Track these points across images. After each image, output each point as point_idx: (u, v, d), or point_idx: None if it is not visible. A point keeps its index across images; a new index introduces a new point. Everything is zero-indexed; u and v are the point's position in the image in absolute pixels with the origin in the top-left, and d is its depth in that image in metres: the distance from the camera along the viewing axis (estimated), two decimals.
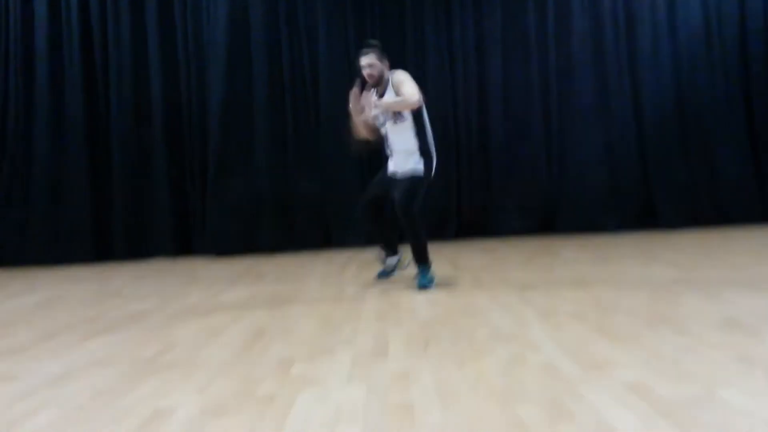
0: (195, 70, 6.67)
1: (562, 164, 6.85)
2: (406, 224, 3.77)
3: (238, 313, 3.42)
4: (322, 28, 6.68)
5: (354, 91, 3.94)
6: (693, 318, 2.73)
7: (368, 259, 5.51)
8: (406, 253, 4.06)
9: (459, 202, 6.77)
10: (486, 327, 2.80)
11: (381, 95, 3.89)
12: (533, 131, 6.84)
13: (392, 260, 4.24)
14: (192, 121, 6.68)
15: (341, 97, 6.53)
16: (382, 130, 3.99)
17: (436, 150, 3.97)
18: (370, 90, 3.88)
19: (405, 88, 3.79)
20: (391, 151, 3.98)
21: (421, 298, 3.57)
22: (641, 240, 5.86)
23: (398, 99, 3.79)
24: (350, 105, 3.98)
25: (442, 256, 5.35)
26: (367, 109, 3.84)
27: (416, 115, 3.85)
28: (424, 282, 3.84)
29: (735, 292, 3.22)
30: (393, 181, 3.94)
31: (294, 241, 6.49)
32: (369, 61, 3.87)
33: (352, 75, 6.62)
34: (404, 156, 3.90)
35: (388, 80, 3.90)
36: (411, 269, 4.06)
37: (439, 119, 6.49)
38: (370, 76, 3.88)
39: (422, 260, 3.87)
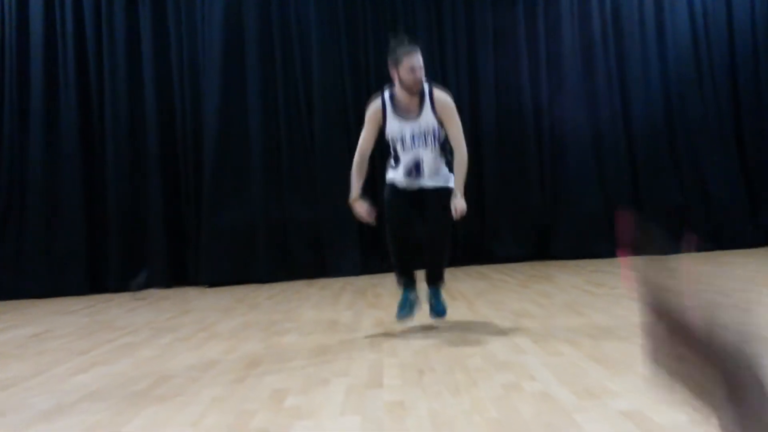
0: (189, 100, 6.71)
1: (556, 190, 6.89)
2: (445, 245, 3.50)
3: (231, 344, 3.40)
4: (316, 49, 6.74)
5: (375, 112, 3.40)
6: None
7: (362, 287, 5.50)
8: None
9: (453, 229, 6.76)
10: (481, 355, 2.79)
11: (415, 115, 3.33)
12: (526, 155, 6.88)
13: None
14: (187, 151, 6.71)
15: (335, 123, 6.68)
16: (405, 155, 3.38)
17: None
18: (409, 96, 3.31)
19: (455, 129, 3.37)
20: (420, 175, 3.40)
21: (416, 326, 3.55)
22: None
23: (460, 170, 3.38)
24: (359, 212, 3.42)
25: None
26: (461, 215, 3.33)
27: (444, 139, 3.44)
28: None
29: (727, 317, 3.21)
30: (419, 199, 3.42)
31: (288, 270, 6.48)
32: (420, 63, 3.27)
33: (345, 100, 6.74)
34: (434, 174, 3.44)
35: (425, 98, 3.33)
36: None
37: None
38: (420, 81, 3.29)
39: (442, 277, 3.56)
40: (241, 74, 6.68)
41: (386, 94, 3.42)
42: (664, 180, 6.82)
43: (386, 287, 5.09)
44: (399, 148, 3.39)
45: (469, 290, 4.89)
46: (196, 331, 3.91)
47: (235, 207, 6.52)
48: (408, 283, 3.50)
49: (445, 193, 3.39)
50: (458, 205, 3.33)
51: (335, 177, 6.60)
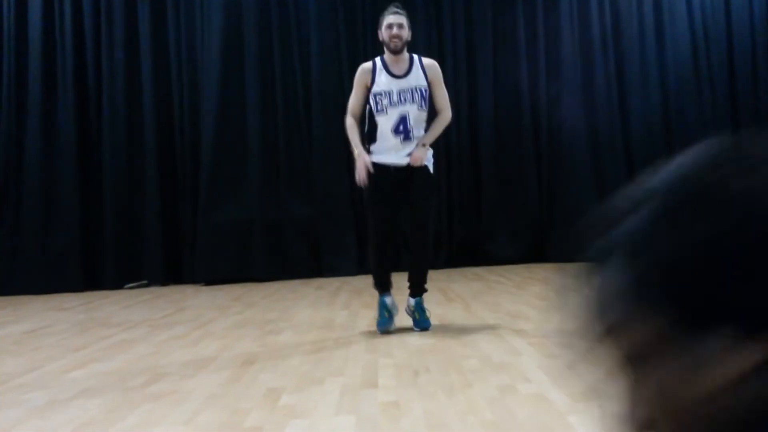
0: (188, 98, 6.69)
1: (553, 192, 6.89)
2: (424, 240, 3.55)
3: (226, 343, 3.39)
4: (315, 48, 6.74)
5: (365, 72, 3.50)
6: None
7: (358, 287, 5.49)
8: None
9: (450, 230, 6.78)
10: (476, 356, 2.79)
11: (404, 74, 3.47)
12: (524, 157, 6.88)
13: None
14: (184, 148, 6.69)
15: (333, 121, 6.65)
16: (392, 111, 3.44)
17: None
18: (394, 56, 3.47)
19: (442, 91, 3.57)
20: (407, 138, 3.46)
21: (411, 328, 3.55)
22: None
23: (438, 126, 3.57)
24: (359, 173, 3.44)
25: (433, 284, 5.34)
26: (417, 163, 3.42)
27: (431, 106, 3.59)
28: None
29: None
30: (404, 175, 3.46)
31: (285, 269, 6.47)
32: (401, 21, 3.47)
33: (344, 98, 6.71)
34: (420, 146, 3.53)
35: (414, 62, 3.53)
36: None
37: (433, 150, 6.56)
38: (398, 37, 3.43)
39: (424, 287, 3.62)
40: (240, 72, 6.66)
41: (377, 57, 3.60)
42: None
43: None
44: (386, 102, 3.44)
45: (465, 291, 4.90)
46: (192, 329, 3.91)
47: (232, 205, 6.51)
48: (385, 285, 3.55)
49: (427, 176, 3.51)
50: (417, 153, 3.44)
51: (333, 176, 6.62)
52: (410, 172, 3.44)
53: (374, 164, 3.44)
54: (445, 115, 3.59)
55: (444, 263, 6.57)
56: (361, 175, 3.43)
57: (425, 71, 3.53)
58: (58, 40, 6.57)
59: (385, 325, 3.47)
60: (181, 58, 6.70)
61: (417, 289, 3.57)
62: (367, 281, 5.76)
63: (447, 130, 3.88)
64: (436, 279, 5.62)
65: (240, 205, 6.52)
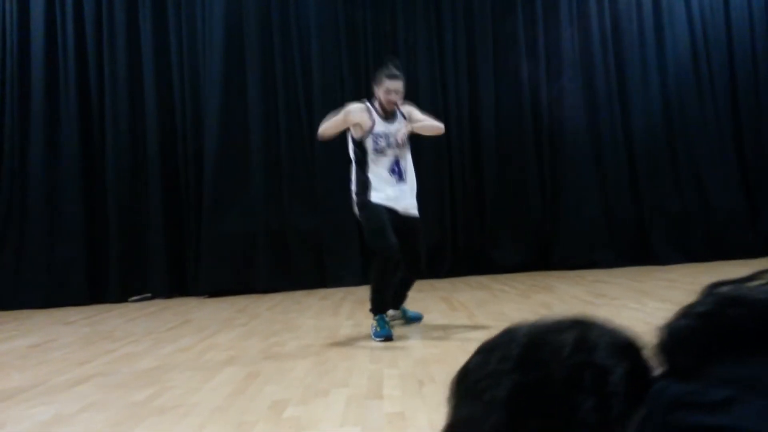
0: (190, 108, 6.72)
1: (556, 199, 6.89)
2: (425, 271, 4.02)
3: (231, 355, 3.39)
4: (316, 59, 6.75)
5: (363, 110, 3.71)
6: None
7: (362, 297, 5.49)
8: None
9: (453, 238, 6.77)
10: None
11: (391, 120, 3.73)
12: (526, 164, 6.88)
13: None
14: (187, 160, 6.71)
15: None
16: (389, 152, 3.68)
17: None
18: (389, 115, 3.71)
19: (419, 114, 3.83)
20: (401, 178, 3.71)
21: (416, 337, 3.56)
22: (635, 275, 5.86)
23: (428, 121, 3.80)
24: (349, 117, 3.70)
25: (436, 293, 5.35)
26: (400, 141, 3.64)
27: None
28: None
29: None
30: (403, 221, 3.69)
31: (289, 280, 6.47)
32: (400, 88, 3.70)
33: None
34: (412, 189, 3.78)
35: (397, 111, 3.77)
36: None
37: (435, 158, 6.58)
38: (393, 103, 3.69)
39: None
40: (242, 82, 6.68)
41: (368, 103, 3.82)
42: (664, 189, 6.83)
43: None
44: (384, 143, 3.67)
45: (469, 300, 4.89)
46: (197, 341, 3.91)
47: (235, 216, 6.52)
48: (387, 305, 3.78)
49: (419, 221, 3.82)
50: (404, 128, 3.67)
51: (336, 186, 6.61)
52: (406, 219, 3.71)
53: (380, 202, 3.64)
54: (434, 122, 3.84)
55: (447, 272, 6.57)
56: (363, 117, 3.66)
57: (406, 114, 3.77)
58: (60, 51, 6.63)
59: (387, 333, 3.56)
60: (183, 67, 6.74)
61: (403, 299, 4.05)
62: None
63: (447, 135, 4.02)
64: (439, 288, 5.64)
65: (243, 217, 6.53)
